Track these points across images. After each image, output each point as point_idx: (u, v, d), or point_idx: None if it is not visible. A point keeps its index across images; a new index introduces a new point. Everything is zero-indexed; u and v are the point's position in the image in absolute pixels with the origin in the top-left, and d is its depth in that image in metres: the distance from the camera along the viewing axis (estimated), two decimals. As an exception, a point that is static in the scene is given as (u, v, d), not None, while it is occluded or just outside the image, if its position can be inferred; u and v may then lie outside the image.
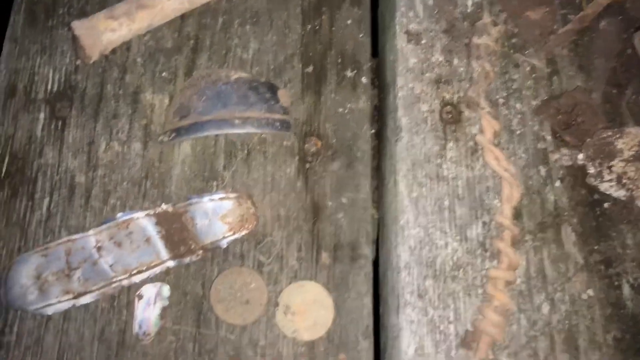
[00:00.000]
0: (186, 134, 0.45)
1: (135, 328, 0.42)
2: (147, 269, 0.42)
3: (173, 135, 0.46)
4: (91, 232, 0.43)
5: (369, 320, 0.43)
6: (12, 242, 0.44)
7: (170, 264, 0.42)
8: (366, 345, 0.42)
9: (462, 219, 0.46)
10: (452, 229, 0.45)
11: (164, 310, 0.42)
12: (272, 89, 0.47)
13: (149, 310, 0.42)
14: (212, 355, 0.41)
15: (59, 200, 0.45)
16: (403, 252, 0.45)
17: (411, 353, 0.42)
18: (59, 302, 0.41)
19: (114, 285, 0.42)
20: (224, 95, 0.46)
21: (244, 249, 0.44)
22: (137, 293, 0.42)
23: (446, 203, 0.46)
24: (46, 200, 0.45)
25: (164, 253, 0.43)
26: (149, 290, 0.42)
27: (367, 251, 0.45)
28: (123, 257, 0.42)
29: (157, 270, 0.42)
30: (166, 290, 0.43)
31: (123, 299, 0.43)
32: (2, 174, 0.46)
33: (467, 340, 0.42)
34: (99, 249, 0.42)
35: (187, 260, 0.43)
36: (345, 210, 0.46)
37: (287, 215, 0.45)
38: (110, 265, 0.42)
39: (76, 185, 0.46)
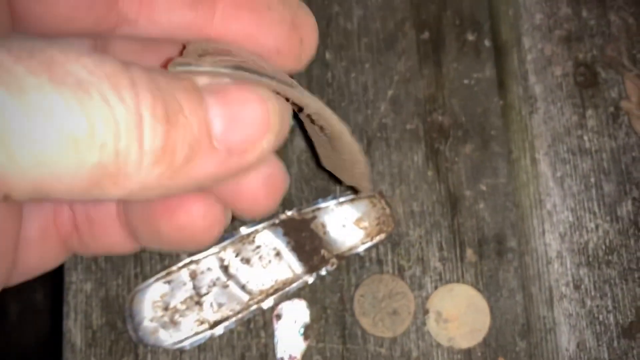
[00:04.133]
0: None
1: (279, 352, 0.38)
2: (284, 287, 0.38)
3: None
4: (214, 249, 0.38)
5: (523, 319, 0.40)
6: (126, 269, 0.39)
7: (308, 279, 0.38)
8: (524, 346, 0.39)
9: (610, 196, 0.42)
10: (602, 209, 0.41)
11: (306, 328, 0.39)
12: None
13: (290, 330, 0.38)
14: (363, 372, 0.38)
15: (169, 216, 0.40)
16: (553, 241, 0.41)
17: (573, 349, 0.39)
18: (196, 334, 0.37)
19: (251, 308, 0.38)
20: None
21: (381, 252, 0.40)
22: (275, 313, 0.39)
23: (592, 180, 0.42)
24: (154, 218, 0.40)
25: (297, 267, 0.38)
26: (287, 309, 0.39)
27: (514, 243, 0.41)
28: (255, 276, 0.38)
29: (295, 287, 0.38)
30: (305, 307, 0.39)
31: (259, 321, 0.39)
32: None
33: (632, 331, 0.39)
34: (226, 269, 0.38)
35: (323, 272, 0.39)
36: (486, 199, 0.41)
37: (422, 210, 0.41)
38: (243, 287, 0.38)
39: (183, 196, 0.40)
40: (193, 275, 0.38)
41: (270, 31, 0.20)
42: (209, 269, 0.38)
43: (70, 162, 0.14)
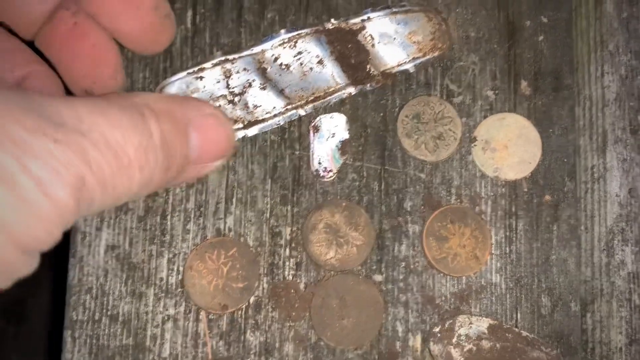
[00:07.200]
0: None
1: (314, 164, 0.35)
2: (325, 95, 0.35)
3: None
4: (252, 50, 0.35)
5: (575, 159, 0.37)
6: (154, 62, 0.36)
7: (351, 89, 0.35)
8: (572, 187, 0.37)
9: (677, 45, 0.39)
10: (667, 57, 0.38)
11: (344, 144, 0.36)
12: None
13: (326, 144, 0.36)
14: (400, 196, 0.36)
15: (205, 12, 0.37)
16: (612, 83, 0.38)
17: (624, 194, 0.37)
18: None
19: (288, 113, 0.35)
20: None
21: (430, 76, 0.37)
22: (312, 124, 0.36)
23: (661, 25, 0.39)
24: (189, 13, 0.37)
25: (341, 77, 0.35)
26: (325, 122, 0.36)
27: (571, 81, 0.38)
28: (294, 81, 0.35)
29: (336, 97, 0.35)
30: (344, 121, 0.36)
31: (294, 132, 0.36)
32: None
33: (688, 182, 0.37)
34: (263, 72, 0.35)
35: (367, 86, 0.36)
36: (546, 32, 0.38)
37: (478, 37, 0.38)
38: (281, 91, 0.35)
39: (221, -5, 0.37)
40: (227, 74, 0.35)
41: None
42: (245, 69, 0.35)
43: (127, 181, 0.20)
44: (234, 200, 0.35)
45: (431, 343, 0.34)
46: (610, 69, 0.38)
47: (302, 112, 0.35)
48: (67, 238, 0.34)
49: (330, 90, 0.35)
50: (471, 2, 0.38)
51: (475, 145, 0.36)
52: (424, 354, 0.35)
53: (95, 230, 0.34)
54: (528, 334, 0.35)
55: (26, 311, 0.75)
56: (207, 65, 0.35)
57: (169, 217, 0.35)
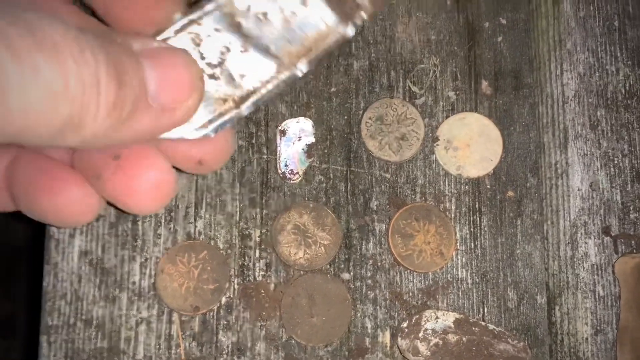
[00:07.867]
0: None
1: (281, 167, 0.36)
2: (318, 44, 0.29)
3: None
4: (214, 3, 0.30)
5: (536, 156, 0.38)
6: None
7: (345, 31, 0.29)
8: (534, 182, 0.38)
9: (633, 41, 0.40)
10: (624, 53, 0.40)
11: (310, 147, 0.37)
12: None
13: (293, 147, 0.37)
14: (366, 196, 0.37)
15: None
16: (571, 80, 0.39)
17: (585, 189, 0.38)
18: (220, 115, 0.28)
19: (282, 77, 0.27)
20: None
21: (392, 78, 0.38)
22: (280, 128, 0.37)
23: (616, 24, 0.40)
24: None
25: (329, 16, 0.27)
26: (291, 125, 0.37)
27: (531, 80, 0.39)
28: (278, 33, 0.27)
29: (332, 43, 0.27)
30: (310, 125, 0.37)
31: (262, 136, 0.37)
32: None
33: (647, 174, 0.38)
34: (238, 27, 0.28)
35: (358, 20, 0.30)
36: (505, 33, 0.39)
37: (438, 39, 0.39)
38: (267, 50, 0.28)
39: None
40: (197, 41, 0.30)
41: None
42: (216, 29, 0.30)
43: (48, 111, 0.17)
44: (203, 204, 0.36)
45: (399, 338, 0.35)
46: (569, 67, 0.39)
47: (297, 72, 0.29)
48: (42, 247, 0.35)
49: (323, 35, 0.31)
50: (431, 6, 0.39)
51: (437, 145, 0.37)
52: (393, 350, 0.35)
53: (68, 237, 0.35)
54: (495, 327, 0.36)
55: (17, 325, 0.76)
56: (170, 34, 0.30)
57: (139, 222, 0.36)
